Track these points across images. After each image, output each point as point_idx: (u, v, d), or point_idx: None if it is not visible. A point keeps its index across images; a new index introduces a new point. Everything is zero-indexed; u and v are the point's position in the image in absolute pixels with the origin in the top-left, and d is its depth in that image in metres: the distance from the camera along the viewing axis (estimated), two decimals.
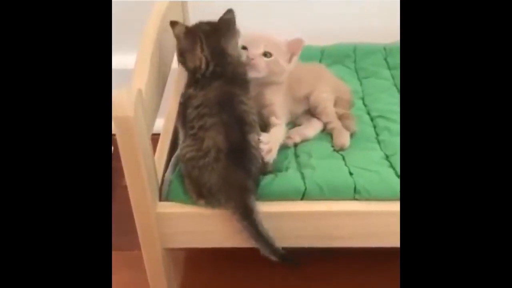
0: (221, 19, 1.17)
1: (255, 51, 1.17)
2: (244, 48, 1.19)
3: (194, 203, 1.08)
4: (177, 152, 1.18)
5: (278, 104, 1.21)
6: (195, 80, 1.14)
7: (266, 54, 1.17)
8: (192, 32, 1.15)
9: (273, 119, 1.18)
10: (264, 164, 1.11)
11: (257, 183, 1.09)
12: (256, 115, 1.14)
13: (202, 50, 1.13)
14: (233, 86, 1.12)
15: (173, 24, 1.16)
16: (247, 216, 1.04)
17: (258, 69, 1.17)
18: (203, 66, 1.13)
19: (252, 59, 1.16)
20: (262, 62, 1.17)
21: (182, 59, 1.17)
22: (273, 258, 1.06)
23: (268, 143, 1.11)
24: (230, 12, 1.17)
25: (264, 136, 1.11)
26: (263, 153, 1.09)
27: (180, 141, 1.15)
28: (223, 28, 1.16)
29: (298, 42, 1.20)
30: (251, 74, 1.17)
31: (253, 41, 1.19)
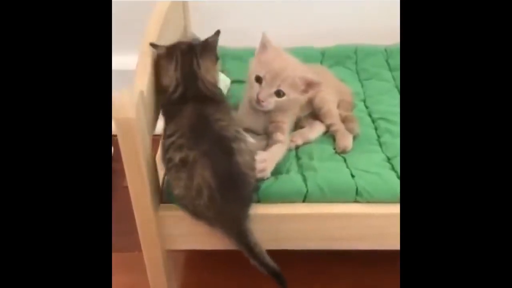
0: (204, 40, 1.16)
1: (268, 91, 1.13)
2: (259, 78, 1.14)
3: None
4: None
5: (288, 122, 1.20)
6: (163, 111, 1.12)
7: (279, 93, 1.14)
8: (171, 52, 1.13)
9: (278, 135, 1.16)
10: (257, 180, 1.09)
11: (251, 203, 1.07)
12: (239, 126, 1.10)
13: (176, 70, 1.11)
14: (205, 105, 1.08)
15: (154, 46, 1.12)
16: (242, 240, 1.04)
17: (266, 108, 1.15)
18: (173, 87, 1.10)
19: (262, 101, 1.13)
20: (271, 102, 1.14)
21: (160, 78, 1.13)
22: (264, 272, 1.06)
23: (264, 162, 1.09)
24: (215, 34, 1.15)
25: (260, 154, 1.09)
26: (256, 171, 1.07)
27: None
28: (198, 50, 1.13)
29: (316, 84, 1.15)
30: (257, 107, 1.15)
31: (269, 77, 1.12)
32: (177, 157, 1.03)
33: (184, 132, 1.04)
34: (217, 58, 1.16)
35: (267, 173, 1.10)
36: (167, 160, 1.05)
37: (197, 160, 1.01)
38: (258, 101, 1.13)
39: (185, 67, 1.11)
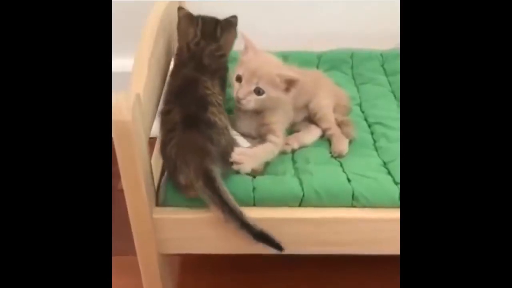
0: (226, 18, 1.24)
1: (246, 89, 1.13)
2: (239, 77, 1.15)
3: (188, 200, 1.07)
4: None
5: (279, 122, 1.19)
6: (173, 66, 1.22)
7: (258, 91, 1.14)
8: (192, 16, 1.24)
9: (270, 137, 1.16)
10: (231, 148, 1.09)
11: (223, 156, 1.06)
12: (222, 100, 1.15)
13: (196, 27, 1.21)
14: (202, 72, 1.16)
15: (180, 8, 1.25)
16: (209, 183, 1.01)
17: (246, 107, 1.15)
18: (192, 37, 1.20)
19: (242, 99, 1.14)
20: (251, 100, 1.14)
21: (178, 37, 1.24)
22: (245, 233, 1.02)
23: (241, 155, 1.08)
24: (234, 16, 1.24)
25: (239, 148, 1.10)
26: (231, 159, 1.07)
27: None
28: (221, 22, 1.23)
29: (295, 82, 1.14)
30: (239, 106, 1.16)
31: (247, 75, 1.14)
32: (163, 110, 1.13)
33: (173, 89, 1.14)
34: (236, 35, 1.25)
35: (245, 168, 1.09)
36: (158, 113, 1.14)
37: (173, 109, 1.09)
38: (238, 99, 1.14)
39: (207, 29, 1.21)
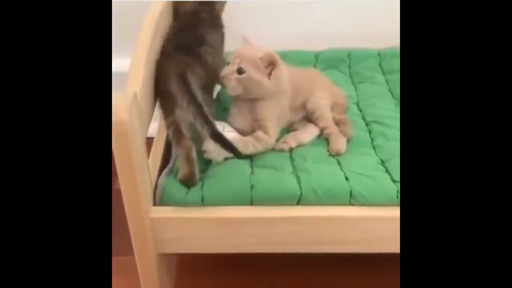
0: None
1: (229, 68, 1.17)
2: (228, 63, 1.20)
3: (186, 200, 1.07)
4: (170, 164, 1.18)
5: (272, 120, 1.19)
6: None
7: (240, 70, 1.16)
8: None
9: (258, 133, 1.16)
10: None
11: (205, 84, 1.15)
12: (217, 49, 1.23)
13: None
14: (201, 22, 1.26)
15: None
16: (183, 81, 1.08)
17: (230, 87, 1.17)
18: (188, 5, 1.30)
19: (223, 77, 1.17)
20: (233, 79, 1.17)
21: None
22: (205, 130, 1.07)
23: (212, 152, 1.13)
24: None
25: (212, 144, 1.11)
26: (204, 148, 1.13)
27: None
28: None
29: (274, 61, 1.17)
30: (228, 91, 1.19)
31: (232, 59, 1.19)
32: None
33: (170, 32, 1.25)
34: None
35: (217, 157, 1.14)
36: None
37: (168, 44, 1.21)
38: (221, 78, 1.18)
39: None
